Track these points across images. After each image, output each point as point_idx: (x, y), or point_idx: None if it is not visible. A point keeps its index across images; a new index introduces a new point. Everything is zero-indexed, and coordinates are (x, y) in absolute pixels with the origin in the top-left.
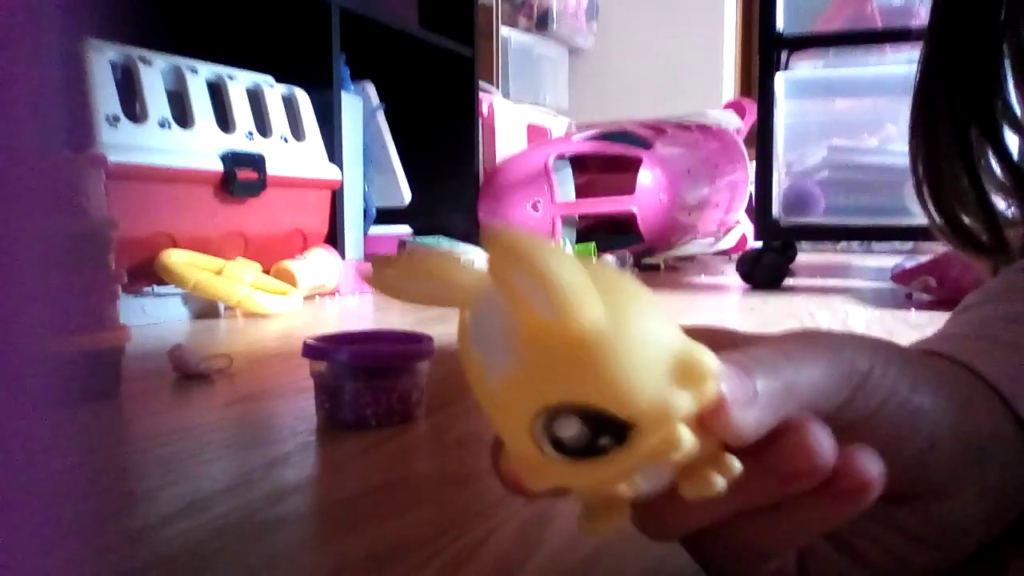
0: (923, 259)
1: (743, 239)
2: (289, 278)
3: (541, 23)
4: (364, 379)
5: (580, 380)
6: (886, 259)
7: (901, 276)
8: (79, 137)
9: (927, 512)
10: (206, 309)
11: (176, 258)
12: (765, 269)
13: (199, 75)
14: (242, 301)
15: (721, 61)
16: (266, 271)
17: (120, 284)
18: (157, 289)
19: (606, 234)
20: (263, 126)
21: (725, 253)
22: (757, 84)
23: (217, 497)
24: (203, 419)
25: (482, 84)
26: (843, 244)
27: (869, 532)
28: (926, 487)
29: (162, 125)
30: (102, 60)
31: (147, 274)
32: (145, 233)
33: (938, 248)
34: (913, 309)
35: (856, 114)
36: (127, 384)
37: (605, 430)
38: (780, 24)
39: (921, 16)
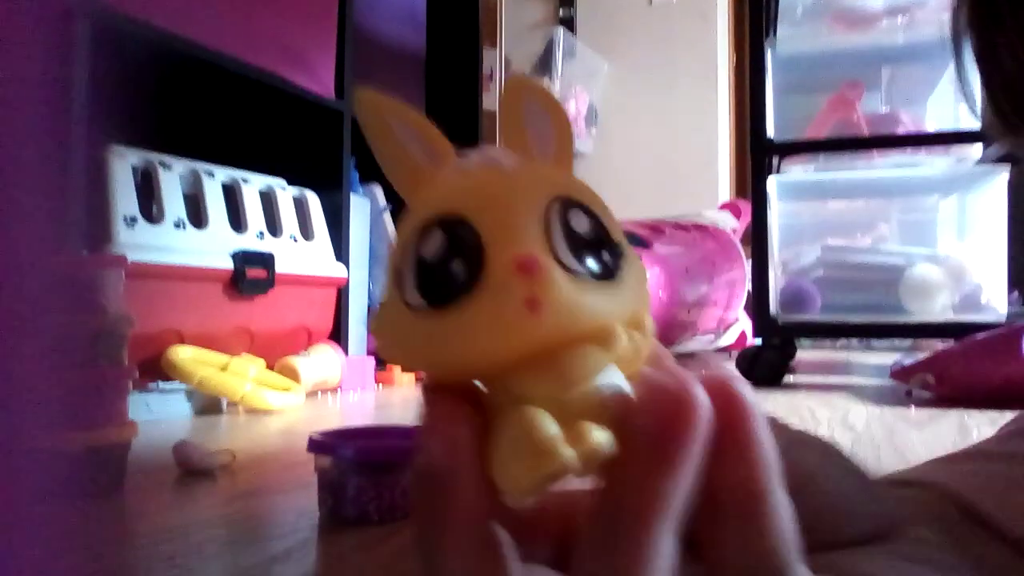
0: (922, 356)
1: (743, 336)
2: (293, 374)
3: None
4: (368, 474)
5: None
6: (886, 356)
7: (900, 373)
8: (95, 237)
9: None
10: (209, 405)
11: (183, 354)
12: (765, 366)
13: (215, 178)
14: (246, 397)
15: (716, 164)
16: (270, 367)
17: (131, 380)
18: (162, 385)
19: None
20: (274, 226)
21: (725, 350)
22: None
23: None
24: (206, 515)
25: None
26: (842, 341)
27: None
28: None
29: (177, 226)
30: (124, 164)
31: (153, 370)
32: (154, 329)
33: (937, 345)
34: (913, 406)
35: (848, 215)
36: (131, 479)
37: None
38: (771, 131)
39: (905, 123)
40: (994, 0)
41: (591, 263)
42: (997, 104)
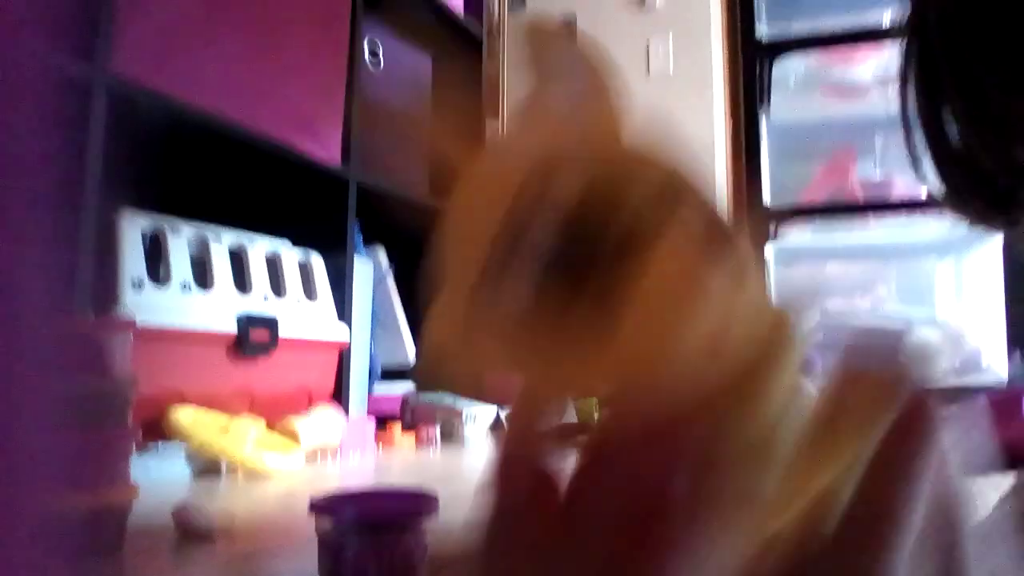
0: None
1: None
2: (293, 435)
3: None
4: (368, 536)
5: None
6: None
7: None
8: (104, 299)
9: None
10: (209, 467)
11: (184, 416)
12: None
13: (222, 242)
14: (246, 459)
15: None
16: (271, 427)
17: (134, 442)
18: (162, 446)
19: None
20: (278, 287)
21: None
22: None
23: None
24: None
25: None
26: None
27: None
28: None
29: (183, 288)
30: (135, 229)
31: (154, 430)
32: (157, 390)
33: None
34: None
35: (847, 278)
36: (130, 541)
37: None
38: (767, 198)
39: (899, 189)
40: (938, 77)
41: None
42: (947, 179)
